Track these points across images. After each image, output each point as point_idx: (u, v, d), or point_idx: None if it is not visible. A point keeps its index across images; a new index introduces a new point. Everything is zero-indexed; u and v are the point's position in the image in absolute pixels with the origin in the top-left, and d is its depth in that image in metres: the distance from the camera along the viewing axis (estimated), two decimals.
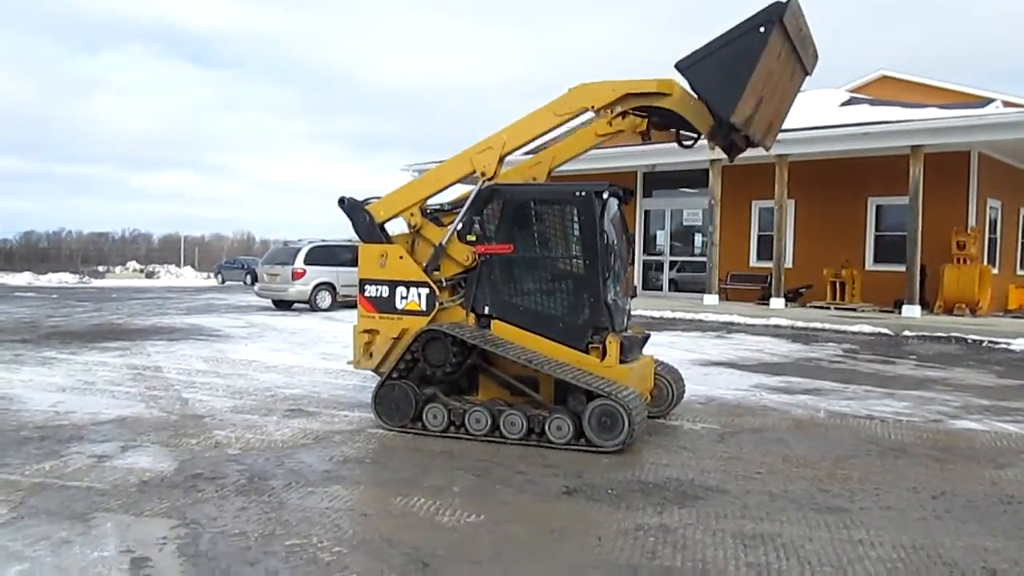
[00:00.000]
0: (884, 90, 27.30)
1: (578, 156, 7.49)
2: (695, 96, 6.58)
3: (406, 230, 7.14)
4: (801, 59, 6.90)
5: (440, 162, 7.33)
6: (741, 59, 6.13)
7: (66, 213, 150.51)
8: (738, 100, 6.15)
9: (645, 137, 7.27)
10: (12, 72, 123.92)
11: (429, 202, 7.18)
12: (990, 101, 21.88)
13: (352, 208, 7.17)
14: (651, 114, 7.00)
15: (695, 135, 7.13)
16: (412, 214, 7.04)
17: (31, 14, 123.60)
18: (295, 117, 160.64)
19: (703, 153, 20.60)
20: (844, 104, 23.39)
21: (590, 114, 7.04)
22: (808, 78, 7.44)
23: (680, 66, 6.35)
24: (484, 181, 6.89)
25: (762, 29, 6.09)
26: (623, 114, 6.91)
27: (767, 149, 7.29)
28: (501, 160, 6.89)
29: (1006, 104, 22.02)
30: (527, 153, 8.66)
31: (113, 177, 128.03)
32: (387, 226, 7.19)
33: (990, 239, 20.47)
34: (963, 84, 26.65)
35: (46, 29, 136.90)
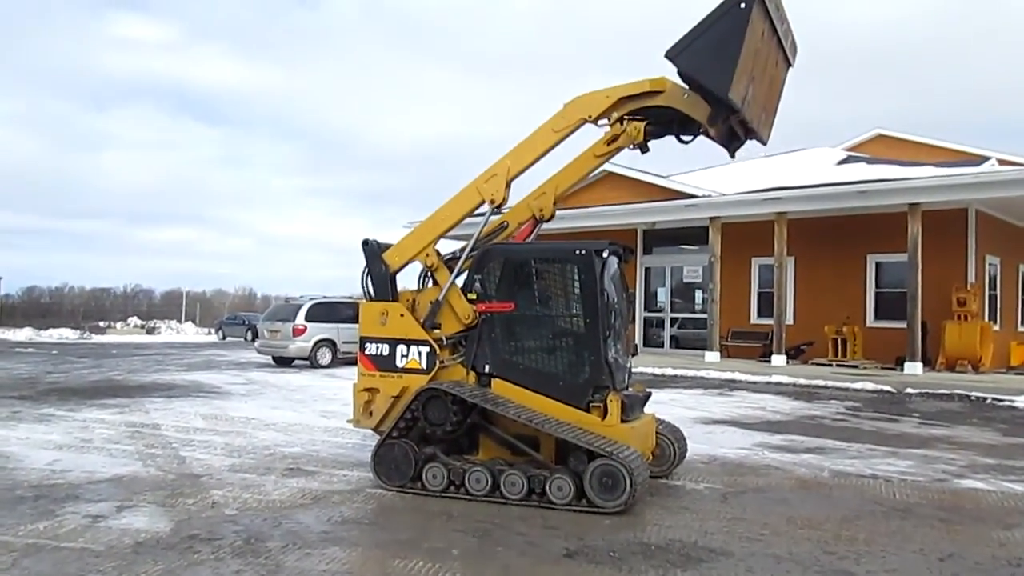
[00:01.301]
0: (880, 148, 27.67)
1: (581, 181, 7.54)
2: (687, 88, 6.63)
3: (411, 288, 7.17)
4: (783, 45, 6.98)
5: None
6: (727, 37, 6.22)
7: (69, 268, 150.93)
8: (732, 76, 6.19)
9: (643, 149, 7.20)
10: (22, 130, 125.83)
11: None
12: (985, 159, 22.17)
13: (372, 254, 7.15)
14: (648, 118, 6.96)
15: (693, 132, 7.04)
16: (428, 255, 7.06)
17: (45, 72, 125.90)
18: (298, 173, 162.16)
19: (703, 211, 20.96)
20: (841, 162, 23.70)
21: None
22: (792, 69, 7.46)
23: (670, 55, 6.38)
24: (494, 209, 6.97)
25: (743, 5, 6.21)
26: (620, 120, 6.93)
27: (764, 143, 7.27)
28: (508, 185, 6.93)
29: (1001, 162, 22.31)
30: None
31: (117, 232, 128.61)
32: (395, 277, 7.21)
33: (990, 295, 20.50)
34: (958, 142, 27.03)
35: (58, 87, 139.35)
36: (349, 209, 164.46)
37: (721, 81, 6.25)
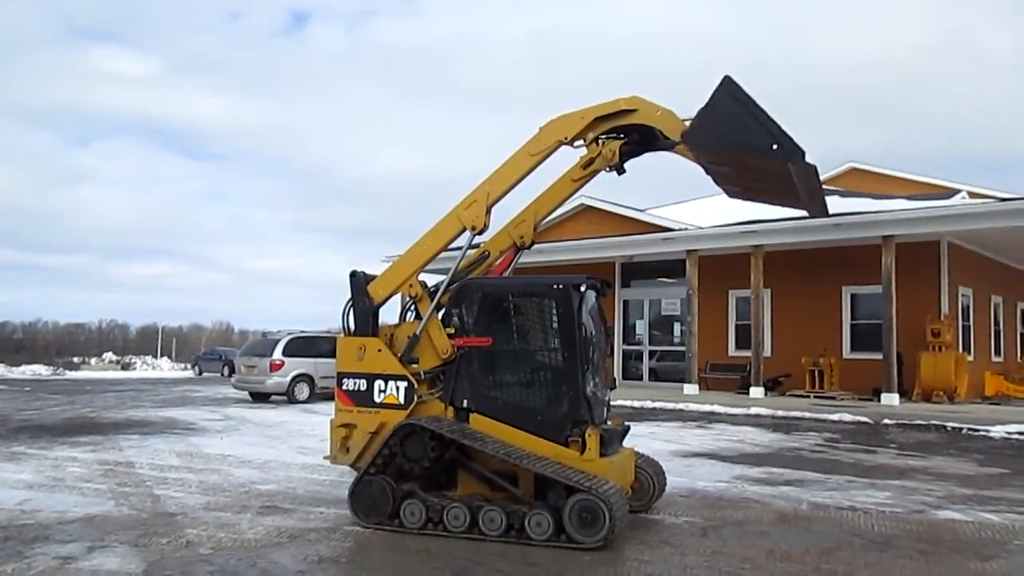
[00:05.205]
0: (853, 182, 28.10)
1: (559, 206, 7.57)
2: (660, 106, 6.59)
3: (394, 318, 7.14)
4: (802, 200, 6.87)
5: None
6: (743, 135, 5.90)
7: (44, 303, 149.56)
8: (712, 151, 6.20)
9: (619, 171, 7.13)
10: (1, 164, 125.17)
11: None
12: (956, 192, 22.56)
13: (359, 287, 7.11)
14: (625, 135, 6.89)
15: (668, 149, 6.87)
16: (411, 285, 7.04)
17: (22, 105, 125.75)
18: (278, 208, 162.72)
19: (680, 244, 21.11)
20: None
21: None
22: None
23: (725, 82, 5.98)
24: (475, 235, 6.97)
25: (775, 147, 5.83)
26: (596, 140, 6.91)
27: (729, 196, 7.40)
28: (488, 211, 6.93)
29: (972, 195, 22.73)
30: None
31: (93, 267, 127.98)
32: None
33: (963, 326, 20.74)
34: (929, 176, 27.53)
35: (36, 120, 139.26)
36: (329, 243, 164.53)
37: (699, 138, 6.19)
